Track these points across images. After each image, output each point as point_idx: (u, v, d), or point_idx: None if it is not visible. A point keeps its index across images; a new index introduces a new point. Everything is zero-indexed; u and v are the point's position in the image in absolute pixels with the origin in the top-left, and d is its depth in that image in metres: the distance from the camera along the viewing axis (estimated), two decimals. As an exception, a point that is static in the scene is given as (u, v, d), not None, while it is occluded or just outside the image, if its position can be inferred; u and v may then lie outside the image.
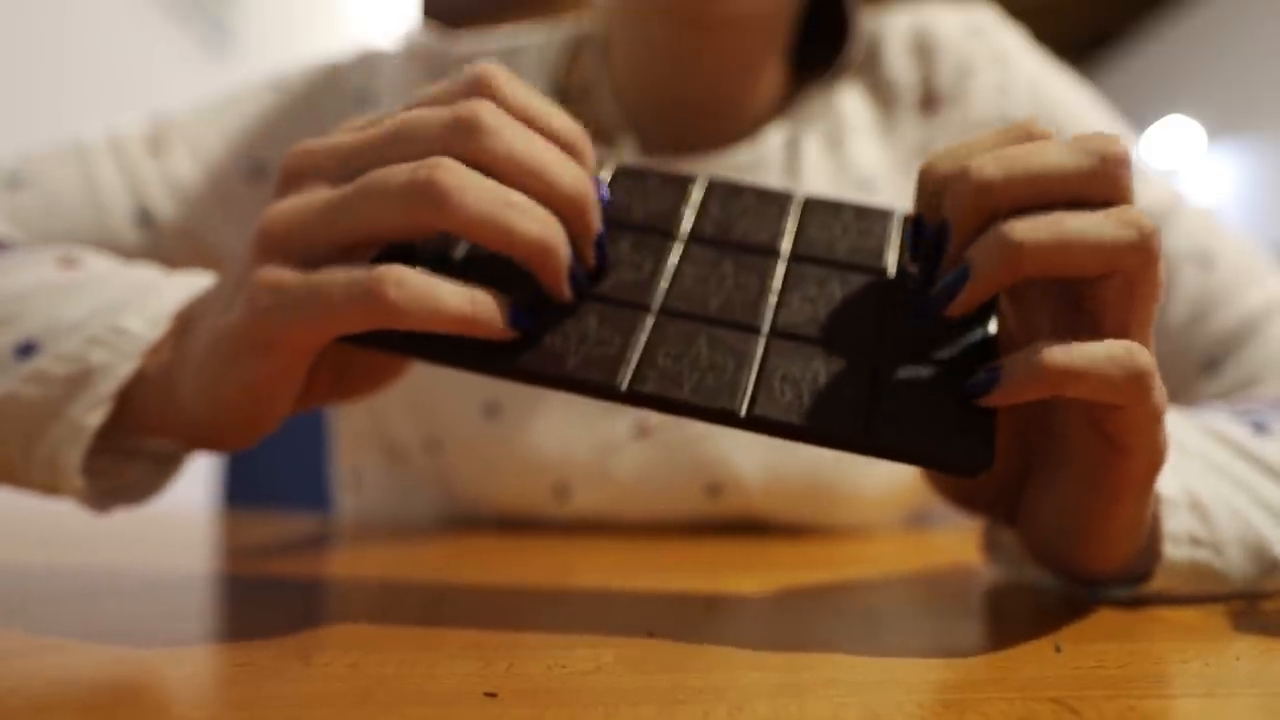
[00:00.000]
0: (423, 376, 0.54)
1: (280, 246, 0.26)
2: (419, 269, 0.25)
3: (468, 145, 0.26)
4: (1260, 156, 3.69)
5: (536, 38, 0.60)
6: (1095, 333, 0.26)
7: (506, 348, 0.27)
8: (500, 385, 0.53)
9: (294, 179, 0.28)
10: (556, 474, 0.53)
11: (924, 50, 0.57)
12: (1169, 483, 0.30)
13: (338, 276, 0.25)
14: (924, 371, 0.27)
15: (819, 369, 0.27)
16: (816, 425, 0.26)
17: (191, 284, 0.34)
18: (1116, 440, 0.26)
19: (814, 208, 0.31)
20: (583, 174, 0.27)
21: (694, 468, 0.53)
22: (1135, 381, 0.24)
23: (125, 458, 0.34)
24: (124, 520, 0.55)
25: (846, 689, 0.21)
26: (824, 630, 0.27)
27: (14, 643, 0.24)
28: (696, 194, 0.31)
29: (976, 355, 0.27)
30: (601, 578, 0.36)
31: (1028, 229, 0.24)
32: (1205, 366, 0.50)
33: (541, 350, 0.27)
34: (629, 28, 0.54)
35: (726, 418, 0.26)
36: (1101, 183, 0.25)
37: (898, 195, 0.55)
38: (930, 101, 0.57)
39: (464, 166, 0.25)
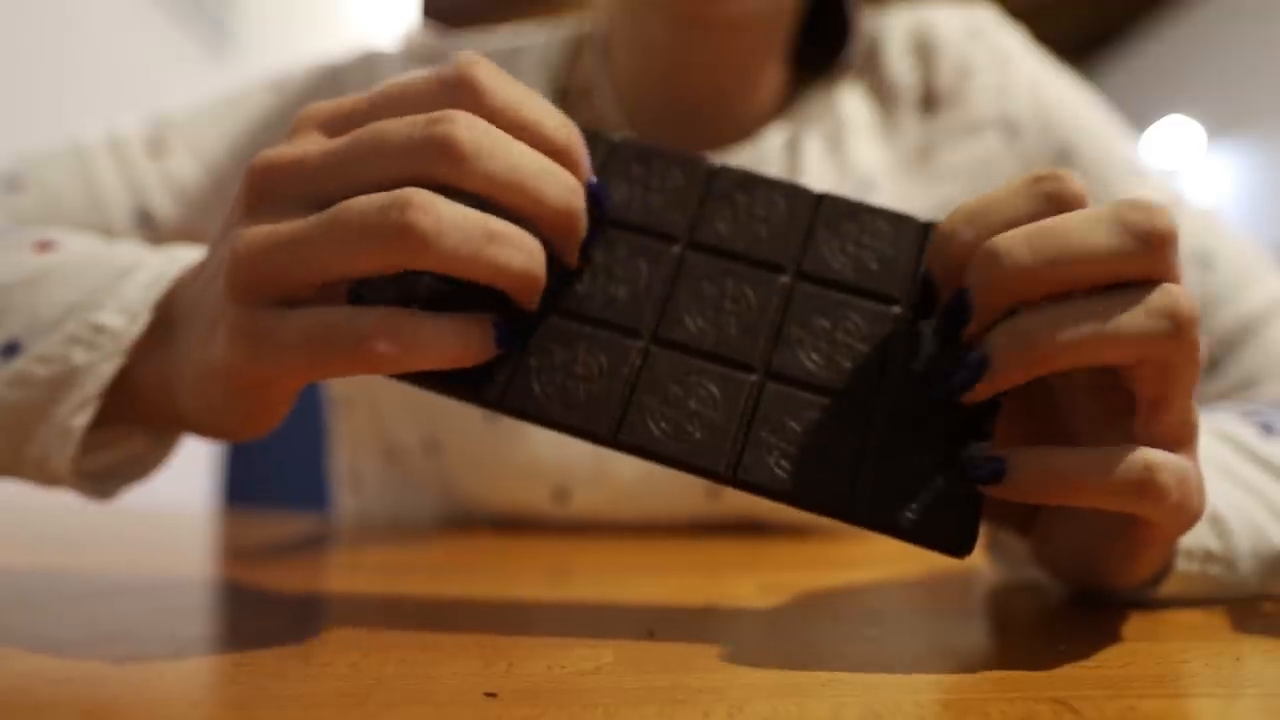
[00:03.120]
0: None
1: (254, 284, 0.25)
2: (401, 308, 0.24)
3: (443, 169, 0.24)
4: (1260, 156, 3.69)
5: (537, 38, 0.60)
6: (1128, 404, 0.25)
7: (492, 377, 0.26)
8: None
9: (260, 198, 0.26)
10: (556, 477, 0.53)
11: (924, 51, 0.57)
12: None
13: (317, 329, 0.24)
14: (918, 434, 0.26)
15: (810, 424, 0.26)
16: (801, 494, 0.25)
17: (168, 262, 0.33)
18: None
19: (829, 212, 0.29)
20: (570, 184, 0.26)
21: (694, 468, 0.52)
22: (1144, 495, 0.23)
23: (122, 432, 0.33)
24: (124, 520, 0.55)
25: (846, 689, 0.21)
26: (824, 630, 0.27)
27: (14, 643, 0.24)
28: (702, 183, 0.29)
29: (977, 419, 0.26)
30: (601, 578, 0.36)
31: (1055, 328, 0.23)
32: (1206, 366, 0.50)
33: (528, 382, 0.26)
34: (629, 28, 0.54)
35: (712, 475, 0.25)
36: (1142, 264, 0.23)
37: (898, 195, 0.55)
38: (930, 102, 0.57)
39: (438, 199, 0.23)
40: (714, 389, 0.26)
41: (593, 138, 0.30)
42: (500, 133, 0.25)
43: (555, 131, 0.26)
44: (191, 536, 0.50)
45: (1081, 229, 0.24)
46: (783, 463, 0.25)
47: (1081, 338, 0.23)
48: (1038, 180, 0.25)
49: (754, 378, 0.27)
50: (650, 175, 0.29)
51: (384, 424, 0.58)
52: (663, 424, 0.26)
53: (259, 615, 0.28)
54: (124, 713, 0.19)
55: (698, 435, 0.26)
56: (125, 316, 0.30)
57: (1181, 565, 0.30)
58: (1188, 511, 0.25)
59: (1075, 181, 0.25)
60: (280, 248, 0.24)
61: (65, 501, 0.36)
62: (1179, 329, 0.23)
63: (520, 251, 0.24)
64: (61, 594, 0.31)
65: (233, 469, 0.92)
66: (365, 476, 0.62)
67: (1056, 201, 0.25)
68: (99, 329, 0.30)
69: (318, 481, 0.88)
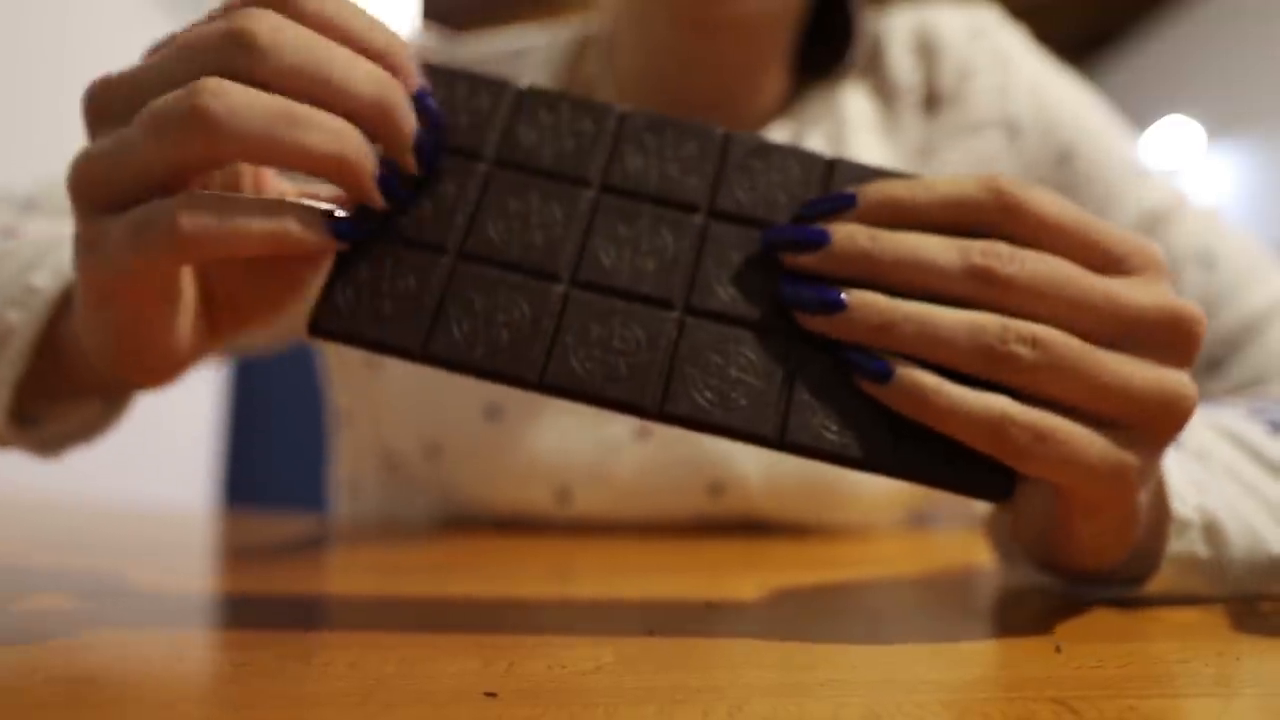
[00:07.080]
0: (425, 379, 0.54)
1: (91, 196, 0.25)
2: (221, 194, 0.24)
3: (242, 61, 0.24)
4: (1260, 156, 3.69)
5: (541, 39, 0.60)
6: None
7: (528, 355, 0.26)
8: (502, 387, 0.53)
9: (96, 120, 0.26)
10: (558, 477, 0.53)
11: (926, 51, 0.57)
12: (1185, 499, 0.30)
13: (135, 218, 0.24)
14: None
15: (850, 387, 0.26)
16: (849, 453, 0.26)
17: None
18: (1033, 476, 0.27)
19: (752, 156, 0.29)
20: (382, 78, 0.25)
21: (695, 467, 0.53)
22: (994, 436, 0.25)
23: (74, 401, 0.36)
24: (124, 520, 0.55)
25: (846, 689, 0.21)
26: (824, 630, 0.27)
27: (12, 643, 0.24)
28: (607, 123, 0.29)
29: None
30: (601, 578, 0.36)
31: (897, 314, 0.26)
32: (1209, 366, 0.50)
33: (567, 359, 0.26)
34: (633, 28, 0.54)
35: (761, 441, 0.26)
36: (971, 291, 0.26)
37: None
38: (932, 102, 0.57)
39: (235, 85, 0.23)
40: (753, 356, 0.26)
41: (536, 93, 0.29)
42: (304, 29, 0.25)
43: (369, 33, 0.26)
44: (191, 536, 0.50)
45: (930, 245, 0.26)
46: (828, 424, 0.26)
47: (916, 332, 0.25)
48: (977, 180, 0.27)
49: (792, 343, 0.27)
50: (541, 118, 0.29)
51: (384, 434, 0.58)
52: (707, 394, 0.26)
53: (259, 615, 0.28)
54: (124, 712, 0.19)
55: (742, 402, 0.26)
56: (56, 279, 0.33)
57: (1166, 570, 0.30)
58: (1075, 469, 0.25)
59: (1015, 187, 0.26)
60: (103, 154, 0.25)
61: (64, 502, 0.36)
62: (984, 351, 0.25)
63: (325, 133, 0.24)
64: (60, 594, 0.31)
65: (232, 470, 0.92)
66: (364, 486, 0.62)
67: (990, 194, 0.26)
68: (31, 289, 0.33)
69: (318, 483, 0.88)
